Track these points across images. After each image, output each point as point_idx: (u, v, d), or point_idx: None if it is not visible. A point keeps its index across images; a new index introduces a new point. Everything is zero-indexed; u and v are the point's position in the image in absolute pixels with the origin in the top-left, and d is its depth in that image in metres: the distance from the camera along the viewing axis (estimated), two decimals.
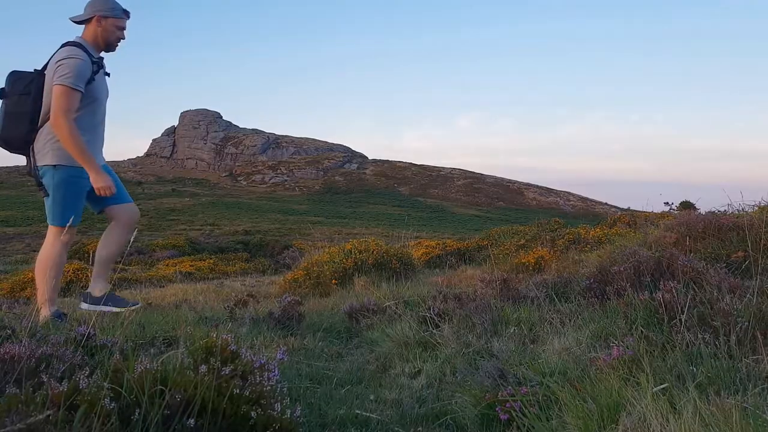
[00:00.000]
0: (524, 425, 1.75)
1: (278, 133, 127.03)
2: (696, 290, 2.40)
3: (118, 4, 3.53)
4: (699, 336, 1.98)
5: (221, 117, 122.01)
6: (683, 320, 2.09)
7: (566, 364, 2.12)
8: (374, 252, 6.77)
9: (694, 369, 1.79)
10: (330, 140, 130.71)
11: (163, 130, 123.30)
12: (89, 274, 9.24)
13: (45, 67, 3.47)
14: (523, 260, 6.36)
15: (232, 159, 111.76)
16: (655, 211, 7.89)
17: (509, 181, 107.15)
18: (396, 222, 53.88)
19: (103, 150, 3.72)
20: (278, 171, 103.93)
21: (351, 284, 6.16)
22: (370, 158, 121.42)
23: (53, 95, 3.30)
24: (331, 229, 40.85)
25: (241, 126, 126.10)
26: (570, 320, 2.69)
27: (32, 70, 3.47)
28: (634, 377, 1.75)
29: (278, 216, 56.32)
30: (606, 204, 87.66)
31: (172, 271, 12.14)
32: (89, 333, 2.13)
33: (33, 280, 8.90)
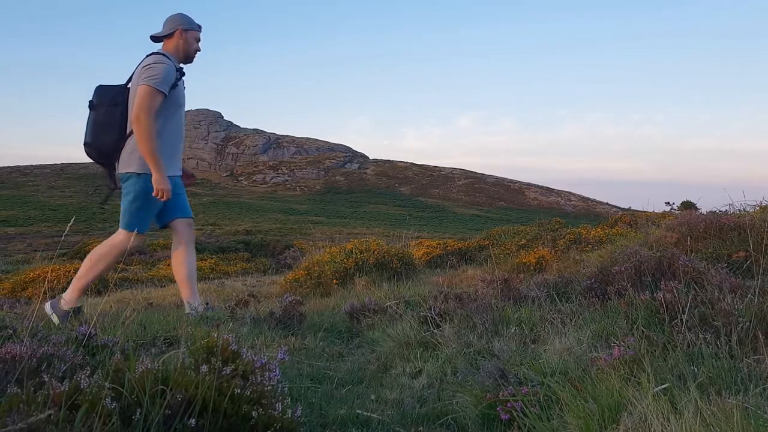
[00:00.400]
0: (525, 425, 1.75)
1: (279, 133, 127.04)
2: (697, 290, 2.40)
3: (193, 19, 3.84)
4: (700, 336, 1.98)
5: (222, 117, 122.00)
6: (684, 320, 2.09)
7: (567, 364, 2.12)
8: (375, 252, 6.77)
9: (695, 369, 1.79)
10: (331, 140, 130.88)
11: None
12: None
13: (129, 80, 3.69)
14: (524, 260, 6.36)
15: (233, 159, 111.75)
16: (656, 211, 7.88)
17: (510, 180, 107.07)
18: (397, 222, 53.88)
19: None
20: (279, 171, 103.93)
21: (352, 284, 6.16)
22: (371, 158, 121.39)
23: (137, 95, 3.48)
24: (332, 229, 40.83)
25: (242, 126, 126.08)
26: (571, 320, 2.69)
27: (117, 84, 3.69)
28: (635, 377, 1.75)
29: (279, 216, 56.35)
30: (607, 204, 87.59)
31: (173, 271, 12.12)
32: (90, 333, 2.13)
33: (34, 279, 8.92)
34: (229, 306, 3.95)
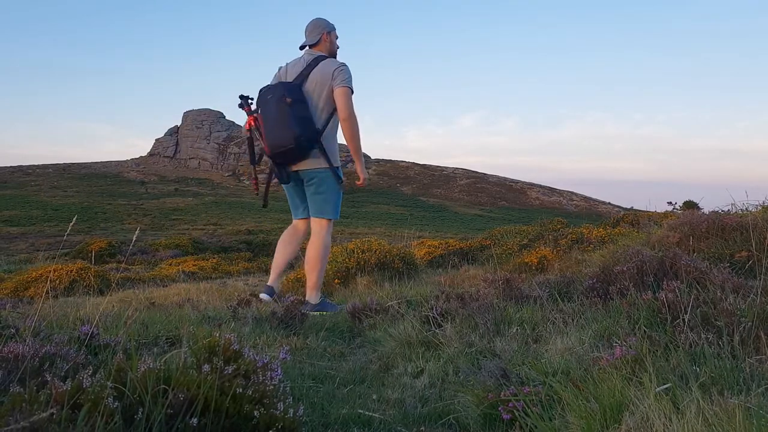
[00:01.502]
0: (527, 425, 1.75)
1: None
2: (699, 290, 2.40)
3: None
4: (702, 336, 1.98)
5: (224, 117, 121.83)
6: (686, 320, 2.09)
7: (569, 364, 2.12)
8: (377, 252, 6.77)
9: (697, 369, 1.79)
10: None
11: (165, 130, 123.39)
12: (92, 273, 9.27)
13: (296, 78, 4.02)
14: (525, 260, 6.35)
15: (235, 159, 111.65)
16: (658, 210, 7.88)
17: (512, 180, 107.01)
18: (398, 222, 53.90)
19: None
20: None
21: (354, 284, 6.17)
22: (372, 158, 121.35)
23: (341, 96, 3.90)
24: (333, 229, 40.77)
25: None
26: (573, 320, 2.69)
27: (292, 82, 4.00)
28: (637, 377, 1.75)
29: (281, 216, 56.28)
30: (609, 204, 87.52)
31: (175, 271, 12.16)
32: (92, 332, 2.14)
33: (36, 279, 8.94)
34: (231, 305, 3.96)
